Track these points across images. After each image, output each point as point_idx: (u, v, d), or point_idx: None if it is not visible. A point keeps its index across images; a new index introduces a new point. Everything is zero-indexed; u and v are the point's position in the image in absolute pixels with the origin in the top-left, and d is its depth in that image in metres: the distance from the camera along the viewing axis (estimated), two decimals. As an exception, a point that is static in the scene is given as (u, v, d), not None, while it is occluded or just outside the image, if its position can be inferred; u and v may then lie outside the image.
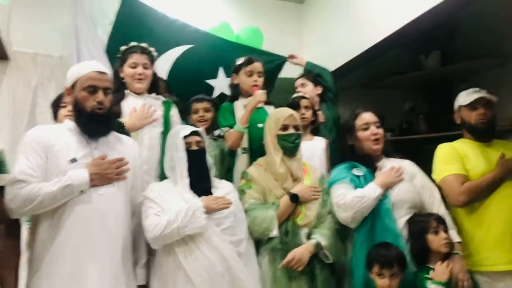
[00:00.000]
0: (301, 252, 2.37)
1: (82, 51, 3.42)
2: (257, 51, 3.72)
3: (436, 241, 2.36)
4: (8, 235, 2.10)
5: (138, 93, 2.82)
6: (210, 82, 3.61)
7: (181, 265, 2.17)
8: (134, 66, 2.80)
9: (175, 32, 3.57)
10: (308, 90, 3.47)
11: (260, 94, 2.89)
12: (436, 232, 2.37)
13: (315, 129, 3.32)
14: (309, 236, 2.45)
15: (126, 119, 2.70)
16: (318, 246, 2.40)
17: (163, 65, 3.50)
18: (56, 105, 2.79)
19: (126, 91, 2.82)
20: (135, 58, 2.81)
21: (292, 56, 3.85)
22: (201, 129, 2.47)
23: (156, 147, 2.75)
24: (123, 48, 2.88)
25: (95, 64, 2.28)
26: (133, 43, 2.88)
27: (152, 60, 2.89)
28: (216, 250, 2.19)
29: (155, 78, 2.93)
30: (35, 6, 3.73)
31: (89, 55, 3.35)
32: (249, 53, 3.28)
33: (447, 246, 2.35)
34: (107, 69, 2.30)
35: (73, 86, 2.22)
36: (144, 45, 2.88)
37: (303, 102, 3.17)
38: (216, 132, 3.11)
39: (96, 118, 2.18)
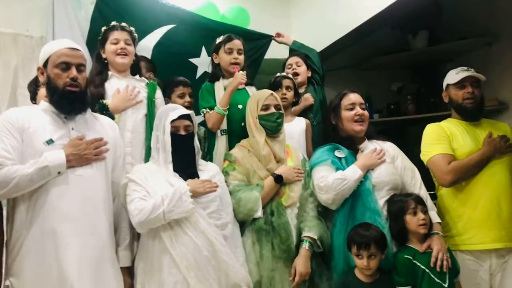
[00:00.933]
0: (302, 264, 2.36)
1: (58, 32, 3.35)
2: (242, 30, 3.67)
3: (414, 222, 2.36)
4: None
5: (121, 71, 2.77)
6: (193, 61, 3.58)
7: (167, 250, 2.14)
8: (116, 42, 2.75)
9: (157, 12, 3.51)
10: (302, 70, 3.44)
11: (240, 76, 2.84)
12: (414, 213, 2.37)
13: (304, 111, 3.30)
14: (299, 233, 2.44)
15: (109, 100, 2.65)
16: (311, 243, 2.41)
17: (146, 47, 3.46)
18: (35, 85, 2.72)
19: (110, 72, 2.76)
20: (116, 35, 2.76)
21: (278, 35, 3.80)
22: (192, 112, 2.40)
23: (140, 129, 2.71)
24: (103, 28, 2.82)
25: (67, 41, 2.23)
26: (113, 23, 2.83)
27: (133, 39, 2.84)
28: (203, 234, 2.17)
29: (137, 59, 2.88)
30: (14, -14, 3.64)
31: (64, 37, 3.26)
32: (233, 31, 3.22)
33: (425, 227, 2.36)
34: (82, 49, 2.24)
35: (45, 65, 2.17)
36: (124, 24, 2.83)
37: (285, 82, 3.13)
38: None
39: (70, 96, 2.13)
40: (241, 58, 3.00)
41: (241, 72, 2.88)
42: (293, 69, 3.42)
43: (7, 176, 1.96)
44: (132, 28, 2.86)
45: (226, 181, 2.47)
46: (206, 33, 3.52)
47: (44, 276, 1.98)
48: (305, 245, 2.40)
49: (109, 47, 2.75)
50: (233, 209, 2.40)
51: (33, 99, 2.78)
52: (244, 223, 2.46)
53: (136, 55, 2.88)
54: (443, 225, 2.52)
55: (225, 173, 2.52)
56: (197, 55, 3.58)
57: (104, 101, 2.62)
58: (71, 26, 3.38)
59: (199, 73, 3.58)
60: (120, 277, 2.18)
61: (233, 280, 2.21)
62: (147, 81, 2.86)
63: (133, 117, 2.69)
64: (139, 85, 2.80)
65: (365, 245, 2.23)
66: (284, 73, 3.23)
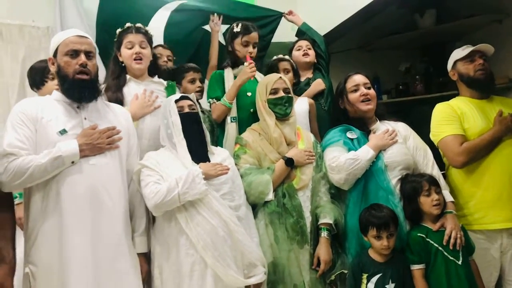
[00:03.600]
0: (325, 252, 2.39)
1: (66, 23, 3.34)
2: (251, 6, 3.66)
3: (428, 203, 2.37)
4: (1, 208, 2.09)
5: (139, 75, 2.71)
6: (207, 27, 3.59)
7: (183, 231, 2.18)
8: (131, 46, 2.66)
9: None
10: (312, 54, 3.43)
11: (249, 71, 2.80)
12: (428, 194, 2.38)
13: (317, 94, 3.30)
14: (317, 218, 2.47)
15: (127, 107, 2.60)
16: (329, 230, 2.43)
17: (158, 22, 3.48)
18: (42, 76, 2.73)
19: (128, 76, 2.71)
20: (130, 38, 2.67)
21: (290, 12, 3.77)
22: (191, 95, 2.44)
23: (158, 136, 2.60)
24: (118, 30, 2.76)
25: (75, 30, 2.25)
26: (127, 24, 2.75)
27: (149, 39, 2.76)
28: (217, 215, 2.21)
29: (154, 59, 2.82)
30: (19, -24, 3.63)
31: (73, 27, 3.25)
32: (243, 8, 3.22)
33: (439, 208, 2.37)
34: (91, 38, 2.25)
35: (55, 54, 2.19)
36: (138, 24, 2.75)
37: (282, 65, 3.11)
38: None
39: (81, 83, 2.14)
40: (255, 51, 3.00)
41: (245, 64, 2.85)
42: (303, 51, 3.40)
43: (21, 166, 1.98)
44: (147, 28, 2.79)
45: (237, 165, 2.50)
46: (217, 7, 3.59)
47: (60, 264, 2.01)
48: (324, 234, 2.43)
49: (125, 51, 2.68)
50: (244, 192, 2.43)
51: (34, 86, 2.79)
52: (256, 206, 2.48)
53: (154, 54, 2.82)
54: (454, 204, 2.51)
55: (236, 156, 2.54)
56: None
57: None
58: (80, 15, 3.37)
59: None
60: (137, 263, 2.21)
61: (248, 259, 2.25)
62: (165, 84, 2.81)
63: (151, 124, 2.60)
64: (158, 89, 2.73)
65: (385, 226, 2.25)
66: (280, 56, 3.21)
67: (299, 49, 3.42)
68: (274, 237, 2.40)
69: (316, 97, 3.29)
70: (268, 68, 3.11)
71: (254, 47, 2.99)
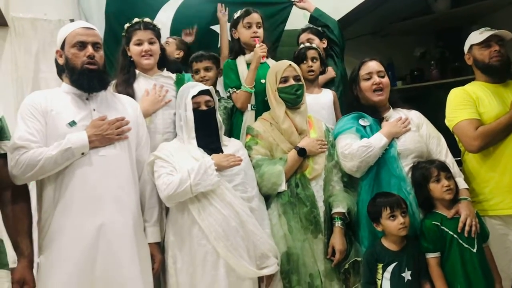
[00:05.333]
0: (339, 242, 2.39)
1: (84, 13, 3.39)
2: None
3: (438, 189, 2.34)
4: (16, 200, 2.11)
5: (148, 70, 2.71)
6: (215, 28, 3.54)
7: (195, 222, 2.20)
8: (139, 43, 2.65)
9: None
10: (318, 43, 3.35)
11: (259, 50, 2.79)
12: (437, 180, 2.35)
13: (327, 82, 3.26)
14: (330, 208, 2.46)
15: (139, 104, 2.57)
16: (342, 219, 2.43)
17: (165, 17, 3.44)
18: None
19: (137, 71, 2.71)
20: (139, 35, 2.66)
21: (301, 0, 3.71)
22: (211, 88, 2.42)
23: (171, 129, 2.63)
24: (126, 25, 2.75)
25: (81, 22, 2.28)
26: (135, 20, 2.73)
27: (158, 34, 2.75)
28: (229, 205, 2.22)
29: (163, 53, 2.81)
30: (30, -30, 3.65)
31: (90, 19, 3.30)
32: None
33: (450, 193, 2.33)
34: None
35: (62, 47, 2.20)
36: (147, 20, 2.74)
37: (310, 53, 3.05)
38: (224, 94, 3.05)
39: (89, 74, 2.16)
40: (261, 31, 2.96)
41: (257, 45, 2.83)
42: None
43: (32, 158, 2.00)
44: (156, 23, 2.78)
45: (249, 155, 2.49)
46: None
47: (72, 255, 2.03)
48: (338, 223, 2.42)
49: (133, 48, 2.67)
50: (257, 183, 2.42)
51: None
52: (269, 197, 2.47)
53: (162, 48, 2.81)
54: (469, 190, 2.48)
55: (248, 147, 2.53)
56: (217, 21, 3.52)
57: None
58: (99, 7, 3.37)
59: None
60: (148, 253, 2.23)
61: (261, 250, 2.26)
62: (174, 77, 2.79)
63: (163, 118, 2.62)
64: (167, 83, 2.73)
65: (397, 204, 2.24)
66: (308, 44, 3.16)
67: (302, 45, 3.36)
68: (288, 227, 2.40)
69: (327, 85, 3.25)
70: (296, 56, 3.04)
71: (258, 27, 2.96)
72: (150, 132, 2.51)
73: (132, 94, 2.60)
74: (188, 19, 3.48)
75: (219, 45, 3.45)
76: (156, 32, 2.73)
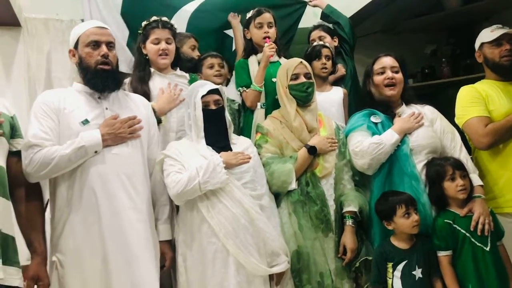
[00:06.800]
0: (351, 241, 2.39)
1: (95, 14, 3.35)
2: None
3: (452, 188, 2.32)
4: (30, 198, 2.14)
5: (163, 69, 2.74)
6: (228, 32, 3.53)
7: (204, 219, 2.20)
8: (157, 42, 2.69)
9: None
10: (327, 42, 3.36)
11: (267, 50, 2.81)
12: (452, 178, 2.32)
13: (337, 80, 3.26)
14: (341, 206, 2.45)
15: (154, 102, 2.62)
16: (353, 218, 2.42)
17: (179, 22, 3.37)
18: None
19: (152, 70, 2.74)
20: (157, 33, 2.69)
21: None
22: (220, 87, 2.42)
23: (184, 129, 2.61)
24: (144, 23, 2.78)
25: (95, 21, 2.29)
26: (154, 18, 2.76)
27: (174, 34, 2.79)
28: (239, 203, 2.21)
29: (177, 52, 2.84)
30: (41, -30, 3.68)
31: (101, 19, 3.25)
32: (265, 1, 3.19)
33: (464, 193, 2.31)
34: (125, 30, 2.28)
35: (76, 46, 2.22)
36: (165, 19, 2.77)
37: (325, 51, 3.06)
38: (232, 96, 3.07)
39: (103, 74, 2.18)
40: (272, 31, 2.97)
41: (266, 44, 2.85)
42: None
43: (46, 157, 2.03)
44: (173, 23, 2.81)
45: (259, 154, 2.48)
46: (239, 3, 3.48)
47: (89, 252, 2.06)
48: (349, 222, 2.42)
49: (150, 46, 2.70)
50: (267, 181, 2.42)
51: None
52: (279, 195, 2.47)
53: (177, 48, 2.83)
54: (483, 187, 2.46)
55: (258, 145, 2.53)
56: (231, 26, 3.50)
57: (151, 104, 2.57)
58: (108, 8, 3.35)
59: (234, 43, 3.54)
60: (158, 251, 2.24)
61: (271, 248, 2.25)
62: (188, 76, 2.83)
63: (177, 116, 2.64)
64: (181, 82, 2.76)
65: (411, 202, 2.24)
66: (321, 42, 3.17)
67: (313, 42, 3.30)
68: (298, 225, 2.40)
69: (336, 82, 3.25)
70: (307, 54, 3.06)
71: (270, 27, 2.96)
72: (164, 130, 2.55)
73: (148, 92, 2.63)
74: (202, 22, 3.47)
75: (233, 49, 3.47)
76: (173, 31, 2.77)
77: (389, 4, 3.71)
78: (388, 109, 2.59)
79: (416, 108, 2.61)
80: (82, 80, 2.23)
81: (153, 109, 2.52)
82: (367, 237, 2.47)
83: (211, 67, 3.04)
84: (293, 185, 2.41)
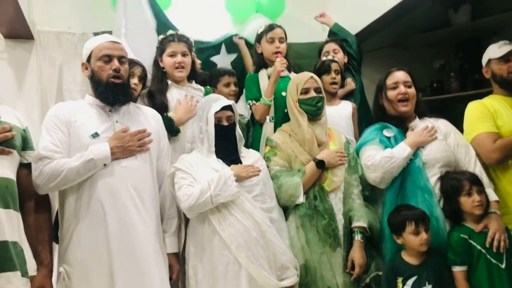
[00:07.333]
0: (359, 256, 2.38)
1: (128, 27, 3.21)
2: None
3: (469, 203, 2.29)
4: (39, 210, 2.15)
5: (179, 81, 2.80)
6: (214, 59, 3.53)
7: (216, 232, 2.20)
8: (173, 54, 2.75)
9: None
10: (340, 57, 3.36)
11: (278, 65, 2.85)
12: (469, 194, 2.30)
13: (346, 94, 3.28)
14: (350, 221, 2.44)
15: (172, 113, 2.68)
16: (363, 233, 2.41)
17: None
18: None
19: (169, 82, 2.79)
20: (173, 47, 2.76)
21: (322, 15, 3.75)
22: (233, 102, 2.44)
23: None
24: (160, 37, 2.86)
25: (108, 35, 2.32)
26: (170, 32, 2.84)
27: (190, 47, 2.84)
28: (250, 216, 2.22)
29: (193, 66, 2.88)
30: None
31: (134, 31, 3.15)
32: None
33: (481, 209, 2.28)
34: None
35: (88, 60, 2.25)
36: (181, 33, 2.84)
37: (334, 66, 3.09)
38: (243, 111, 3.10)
39: (114, 87, 2.20)
40: (283, 46, 3.01)
41: (278, 59, 2.88)
42: (332, 56, 3.37)
43: (56, 169, 2.04)
44: (189, 36, 2.86)
45: (268, 167, 2.49)
46: None
47: (96, 263, 2.06)
48: (358, 237, 2.40)
49: (167, 60, 2.77)
50: (275, 195, 2.43)
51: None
52: (287, 208, 2.46)
53: (193, 61, 2.87)
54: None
55: (267, 158, 2.53)
56: (218, 52, 3.53)
57: (169, 115, 2.65)
58: (141, 20, 3.20)
59: None
60: (166, 263, 2.24)
61: (281, 261, 2.25)
62: (203, 89, 2.89)
63: (192, 127, 2.66)
64: (197, 94, 2.83)
65: (423, 219, 2.22)
66: (330, 57, 3.19)
67: (327, 55, 3.34)
68: (306, 239, 2.39)
69: (346, 96, 3.27)
70: (317, 69, 3.07)
71: (281, 42, 3.00)
72: (179, 141, 2.60)
73: (166, 103, 2.69)
74: None
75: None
76: (189, 45, 2.82)
77: (398, 19, 3.73)
78: (401, 123, 2.58)
79: (430, 122, 2.60)
80: (94, 93, 2.25)
81: (173, 120, 2.57)
82: (378, 253, 2.45)
83: (227, 85, 3.10)
84: (301, 199, 2.41)
